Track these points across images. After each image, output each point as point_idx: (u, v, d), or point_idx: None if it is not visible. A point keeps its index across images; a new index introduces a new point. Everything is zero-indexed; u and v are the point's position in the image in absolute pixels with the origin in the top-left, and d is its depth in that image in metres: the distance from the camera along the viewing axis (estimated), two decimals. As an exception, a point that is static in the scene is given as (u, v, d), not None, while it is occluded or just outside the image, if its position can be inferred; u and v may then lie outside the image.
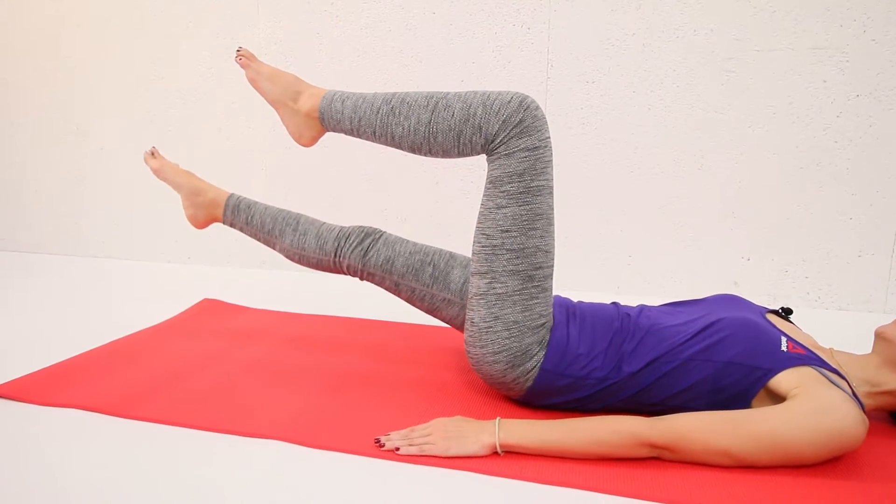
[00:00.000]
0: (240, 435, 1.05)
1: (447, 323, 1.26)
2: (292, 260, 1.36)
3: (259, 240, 1.39)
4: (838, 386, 0.94)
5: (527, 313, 1.06)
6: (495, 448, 0.97)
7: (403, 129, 1.12)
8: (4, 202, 2.53)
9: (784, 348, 0.99)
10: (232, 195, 1.40)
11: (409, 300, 1.27)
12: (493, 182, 1.07)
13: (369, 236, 1.27)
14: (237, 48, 1.38)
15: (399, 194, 2.09)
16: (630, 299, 1.91)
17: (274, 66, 1.28)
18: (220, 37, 2.15)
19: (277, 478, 0.93)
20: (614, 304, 1.18)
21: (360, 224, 1.29)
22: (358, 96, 1.19)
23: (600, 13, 1.84)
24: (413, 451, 0.98)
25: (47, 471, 0.94)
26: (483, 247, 1.08)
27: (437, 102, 1.10)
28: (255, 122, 2.19)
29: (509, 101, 1.05)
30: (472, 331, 1.10)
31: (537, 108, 1.06)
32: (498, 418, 1.00)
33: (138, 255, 2.41)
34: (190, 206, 1.41)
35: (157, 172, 1.42)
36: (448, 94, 1.11)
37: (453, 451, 0.97)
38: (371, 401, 1.17)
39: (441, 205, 2.06)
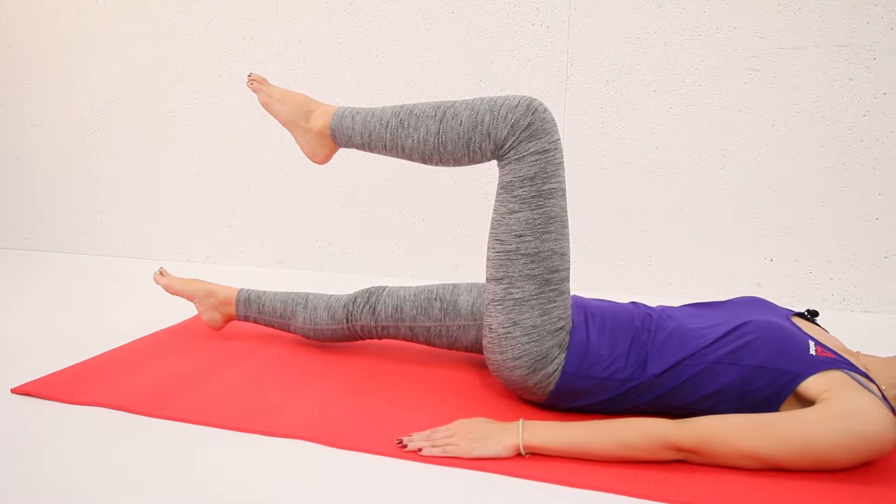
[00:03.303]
0: (264, 434, 1.05)
1: (470, 351, 1.28)
2: (309, 337, 1.41)
3: (274, 326, 1.43)
4: (868, 389, 0.92)
5: (545, 317, 1.06)
6: (519, 449, 0.96)
7: (413, 140, 1.13)
8: (25, 202, 2.57)
9: (812, 352, 0.98)
10: (241, 290, 1.45)
11: (427, 342, 1.29)
12: (504, 187, 1.07)
13: (373, 294, 1.31)
14: (248, 74, 1.41)
15: (417, 194, 2.09)
16: (650, 300, 1.89)
17: (284, 88, 1.33)
18: (240, 38, 2.16)
19: (301, 477, 0.93)
20: (633, 303, 1.17)
21: (364, 287, 1.35)
22: (367, 111, 1.20)
23: (621, 11, 1.82)
24: (436, 452, 0.97)
25: (74, 469, 0.95)
26: (498, 253, 1.08)
27: (445, 112, 1.10)
28: (273, 123, 2.20)
29: (517, 106, 1.05)
30: (490, 337, 1.10)
31: (545, 110, 1.06)
32: (521, 420, 1.00)
33: (158, 254, 2.43)
34: (206, 311, 1.46)
35: (168, 289, 1.47)
36: (455, 102, 1.11)
37: (476, 453, 0.96)
38: (393, 401, 1.17)
39: (459, 205, 2.06)
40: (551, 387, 1.07)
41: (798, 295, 1.83)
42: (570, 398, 1.08)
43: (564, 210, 1.07)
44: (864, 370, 1.00)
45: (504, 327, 1.07)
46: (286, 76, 2.13)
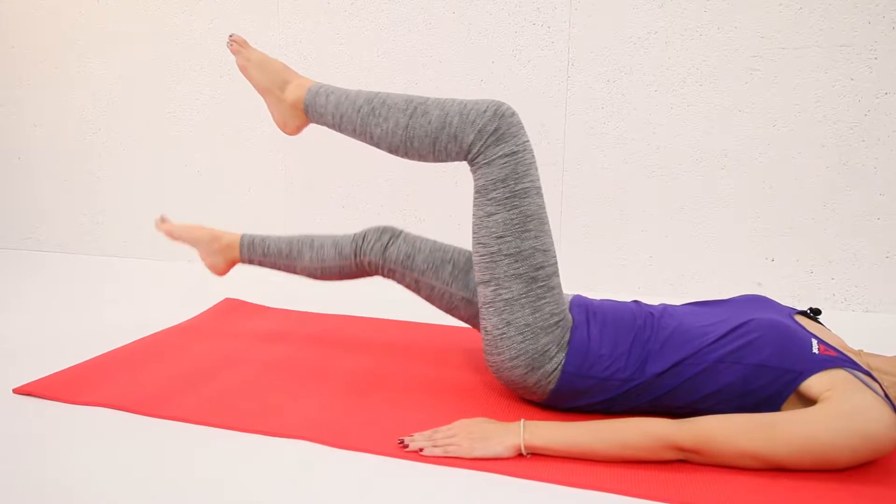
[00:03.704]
0: (265, 434, 1.05)
1: (465, 322, 1.26)
2: (315, 277, 1.38)
3: (279, 268, 1.41)
4: (871, 388, 0.92)
5: (537, 314, 1.06)
6: (520, 450, 0.96)
7: (382, 130, 1.14)
8: (26, 202, 2.57)
9: (815, 350, 0.97)
10: (245, 234, 1.44)
11: (428, 299, 1.27)
12: (479, 191, 1.08)
13: (387, 232, 1.28)
14: (230, 34, 1.40)
15: (417, 195, 2.09)
16: (651, 300, 1.89)
17: (264, 53, 1.31)
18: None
19: (302, 477, 0.93)
20: (636, 302, 1.17)
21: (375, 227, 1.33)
22: (342, 92, 1.20)
23: (622, 11, 1.82)
24: (437, 452, 0.97)
25: (75, 469, 0.95)
26: (482, 256, 1.08)
27: (417, 108, 1.11)
28: (274, 124, 2.20)
29: (484, 111, 1.06)
30: (487, 339, 1.10)
31: (513, 114, 1.07)
32: (522, 420, 1.00)
33: (159, 254, 2.43)
34: (208, 256, 1.44)
35: (170, 234, 1.46)
36: (428, 100, 1.12)
37: (478, 453, 0.96)
38: (394, 401, 1.17)
39: (459, 205, 2.06)
40: (551, 386, 1.07)
41: (799, 295, 1.83)
42: (570, 398, 1.08)
43: (541, 207, 1.08)
44: (866, 369, 0.99)
45: (498, 328, 1.08)
46: (287, 76, 2.13)
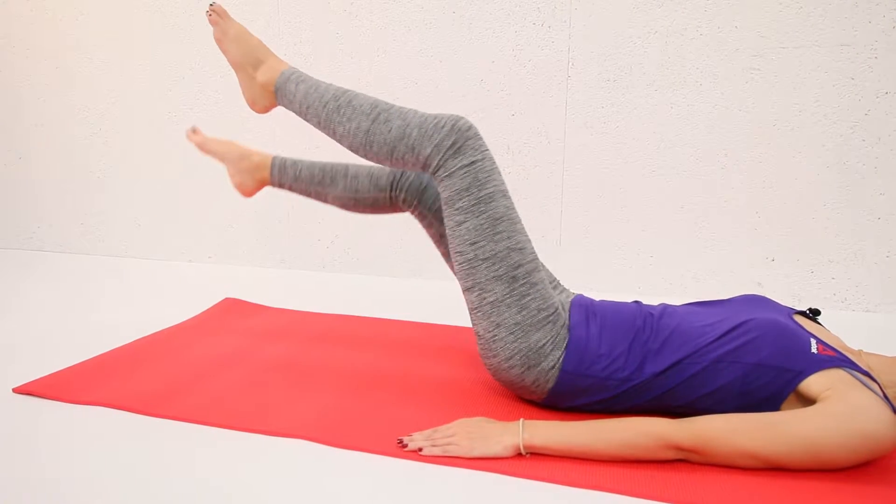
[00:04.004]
0: (264, 434, 1.05)
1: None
2: (347, 207, 1.36)
3: (310, 195, 1.38)
4: (870, 388, 0.92)
5: (525, 312, 1.06)
6: (519, 449, 0.96)
7: (344, 129, 1.16)
8: (27, 202, 2.57)
9: (814, 350, 0.97)
10: (277, 156, 1.40)
11: (445, 255, 1.30)
12: (446, 203, 1.10)
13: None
14: (211, 3, 1.37)
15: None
16: (651, 300, 1.89)
17: (243, 28, 1.30)
18: (241, 38, 2.17)
19: (301, 477, 0.93)
20: (636, 302, 1.17)
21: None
22: (312, 83, 1.21)
23: (622, 11, 1.82)
24: (436, 451, 0.97)
25: (75, 469, 0.95)
26: (461, 265, 1.10)
27: (380, 114, 1.13)
28: (275, 123, 2.20)
29: (442, 126, 1.08)
30: (481, 343, 1.11)
31: (469, 127, 1.09)
32: (522, 419, 1.00)
33: (159, 254, 2.44)
34: (237, 174, 1.40)
35: (200, 147, 1.42)
36: (392, 108, 1.14)
37: (477, 452, 0.96)
38: (394, 401, 1.17)
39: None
40: (550, 384, 1.07)
41: (799, 294, 1.83)
42: (569, 397, 1.08)
43: (509, 208, 1.09)
44: (866, 369, 0.99)
45: (489, 332, 1.08)
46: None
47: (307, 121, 1.23)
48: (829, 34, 1.69)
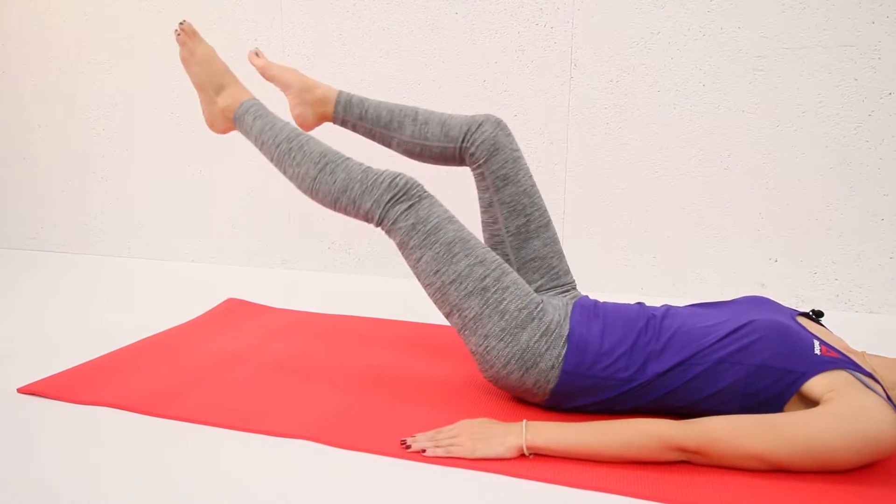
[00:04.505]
0: (267, 434, 1.05)
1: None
2: (412, 154, 1.33)
3: (373, 137, 1.35)
4: (873, 390, 0.92)
5: (506, 316, 1.08)
6: (522, 450, 0.96)
7: (293, 172, 1.21)
8: (31, 202, 2.58)
9: (817, 352, 0.97)
10: (343, 91, 1.36)
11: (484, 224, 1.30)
12: (400, 248, 1.15)
13: (503, 132, 1.26)
14: (180, 21, 1.38)
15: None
16: (654, 300, 1.89)
17: (210, 49, 1.31)
18: (243, 39, 2.17)
19: (304, 477, 0.93)
20: (639, 304, 1.17)
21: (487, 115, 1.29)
22: (268, 120, 1.25)
23: (624, 12, 1.82)
24: (439, 452, 0.98)
25: (79, 468, 0.95)
26: (433, 295, 1.13)
27: (327, 165, 1.17)
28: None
29: (381, 182, 1.13)
30: (477, 359, 1.13)
31: (406, 182, 1.13)
32: (525, 420, 1.00)
33: (162, 255, 2.44)
34: (298, 105, 1.36)
35: (263, 71, 1.38)
36: (339, 158, 1.18)
37: (480, 453, 0.97)
38: (397, 402, 1.17)
39: (462, 205, 2.06)
40: (551, 385, 1.07)
41: (802, 295, 1.82)
42: (571, 397, 1.08)
43: (459, 230, 1.12)
44: (869, 370, 0.99)
45: (480, 345, 1.10)
46: (290, 77, 2.14)
47: (262, 153, 1.27)
48: (832, 35, 1.68)
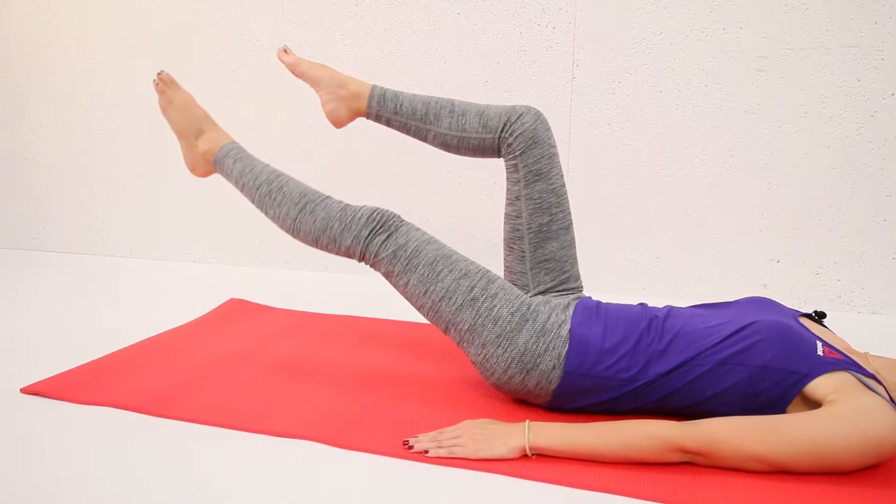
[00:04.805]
0: (270, 434, 1.05)
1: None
2: (448, 147, 1.30)
3: (409, 131, 1.31)
4: (876, 391, 0.92)
5: (500, 322, 1.09)
6: (525, 451, 0.97)
7: (274, 213, 1.23)
8: (33, 202, 2.58)
9: (820, 353, 0.97)
10: (377, 85, 1.33)
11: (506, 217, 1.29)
12: (386, 277, 1.17)
13: (542, 126, 1.23)
14: (158, 72, 1.41)
15: (422, 194, 2.09)
16: (657, 301, 1.88)
17: (188, 96, 1.35)
18: (246, 39, 2.17)
19: (307, 478, 0.93)
20: (641, 304, 1.17)
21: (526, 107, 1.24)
22: (248, 163, 1.28)
23: (627, 13, 1.82)
24: (442, 453, 0.98)
25: (81, 468, 0.96)
26: (427, 315, 1.15)
27: (307, 204, 1.20)
28: (278, 123, 2.20)
29: (359, 218, 1.16)
30: (478, 368, 1.14)
31: (382, 213, 1.16)
32: (527, 421, 1.00)
33: (164, 255, 2.44)
34: (331, 101, 1.33)
35: (292, 68, 1.35)
36: (318, 198, 1.20)
37: (482, 454, 0.97)
38: (399, 402, 1.17)
39: (464, 205, 2.06)
40: (553, 386, 1.07)
41: (805, 296, 1.82)
42: (573, 398, 1.08)
43: (439, 248, 1.15)
44: (872, 372, 0.99)
45: (479, 355, 1.11)
46: (290, 78, 2.14)
47: (243, 195, 1.28)
48: (834, 35, 1.68)
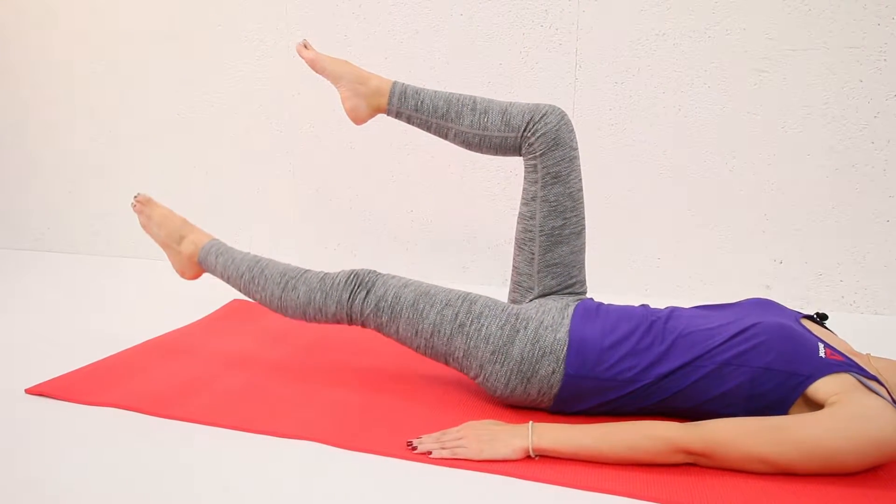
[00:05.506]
0: (273, 435, 1.06)
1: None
2: (469, 146, 1.27)
3: (429, 129, 1.29)
4: (878, 393, 0.92)
5: (491, 339, 1.10)
6: (528, 452, 0.97)
7: (260, 297, 1.28)
8: (38, 203, 2.59)
9: (822, 354, 0.97)
10: (397, 81, 1.31)
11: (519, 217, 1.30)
12: (377, 330, 1.20)
13: (565, 128, 1.21)
14: (136, 195, 1.49)
15: (425, 195, 2.10)
16: (659, 302, 1.88)
17: (165, 210, 1.43)
18: (249, 41, 2.18)
19: (310, 479, 0.93)
20: (643, 306, 1.17)
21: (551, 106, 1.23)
22: (229, 256, 1.34)
23: (629, 13, 1.82)
24: (445, 454, 0.98)
25: (85, 469, 0.96)
26: (424, 353, 1.17)
27: (288, 282, 1.25)
28: (282, 125, 2.21)
29: (338, 283, 1.20)
30: (480, 385, 1.15)
31: (357, 273, 1.20)
32: (531, 422, 1.00)
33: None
34: (351, 97, 1.31)
35: (312, 64, 1.32)
36: (297, 273, 1.25)
37: (486, 455, 0.97)
38: (401, 402, 1.18)
39: (467, 206, 2.06)
40: (555, 390, 1.07)
41: (807, 297, 1.82)
42: (576, 400, 1.08)
43: (415, 290, 1.16)
44: (874, 373, 0.99)
45: (480, 374, 1.12)
46: (294, 79, 2.14)
47: (231, 287, 1.34)
48: (837, 36, 1.68)
